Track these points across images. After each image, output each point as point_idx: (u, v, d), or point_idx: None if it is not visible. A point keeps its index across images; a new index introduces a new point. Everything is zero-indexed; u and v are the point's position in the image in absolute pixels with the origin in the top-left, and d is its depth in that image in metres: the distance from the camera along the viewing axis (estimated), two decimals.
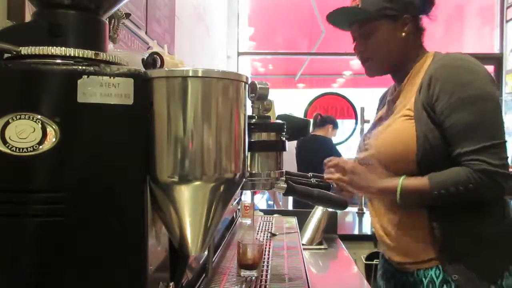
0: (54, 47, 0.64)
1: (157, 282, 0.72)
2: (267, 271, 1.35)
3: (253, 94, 1.09)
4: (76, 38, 0.68)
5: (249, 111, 1.08)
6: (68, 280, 0.62)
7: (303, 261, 1.48)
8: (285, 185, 1.14)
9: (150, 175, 0.65)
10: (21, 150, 0.60)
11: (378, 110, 1.51)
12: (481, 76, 1.19)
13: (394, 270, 1.36)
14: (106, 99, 0.62)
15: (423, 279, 1.23)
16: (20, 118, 0.60)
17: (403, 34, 1.28)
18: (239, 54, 5.52)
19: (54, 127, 0.60)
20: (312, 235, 2.22)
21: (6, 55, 0.64)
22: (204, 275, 1.20)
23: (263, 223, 2.16)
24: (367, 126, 1.80)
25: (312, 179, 1.28)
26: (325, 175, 1.30)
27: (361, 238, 2.61)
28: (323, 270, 2.01)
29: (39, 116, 0.60)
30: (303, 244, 1.98)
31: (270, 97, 1.12)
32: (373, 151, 1.29)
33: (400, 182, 1.19)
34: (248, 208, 2.07)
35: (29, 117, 0.60)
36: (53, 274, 0.61)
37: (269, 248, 1.64)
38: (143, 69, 0.66)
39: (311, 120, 4.32)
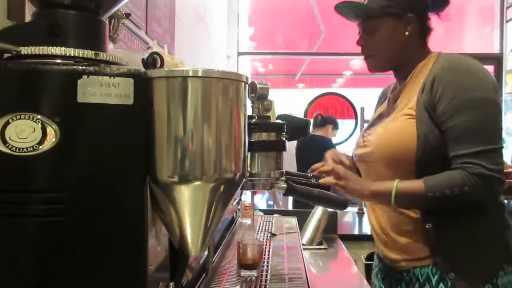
0: (54, 47, 0.64)
1: (157, 282, 0.72)
2: (267, 271, 1.35)
3: (253, 94, 1.09)
4: (76, 38, 0.68)
5: (249, 111, 1.08)
6: (68, 280, 0.62)
7: (303, 261, 1.48)
8: (285, 185, 1.14)
9: (150, 175, 0.65)
10: (21, 150, 0.60)
11: (377, 106, 1.51)
12: (485, 82, 1.19)
13: (389, 268, 1.36)
14: (106, 99, 0.62)
15: (420, 276, 1.23)
16: (20, 118, 0.60)
17: (406, 33, 1.28)
18: (239, 54, 5.51)
19: (54, 127, 0.60)
20: (312, 235, 2.22)
21: (6, 55, 0.64)
22: (204, 275, 1.20)
23: (263, 223, 2.16)
24: None
25: (312, 179, 1.28)
26: (321, 180, 1.30)
27: (361, 238, 2.60)
28: (323, 270, 2.01)
29: (39, 116, 0.60)
30: (303, 244, 1.98)
31: (270, 97, 1.12)
32: (373, 148, 1.29)
33: (395, 185, 1.19)
34: (248, 208, 2.07)
35: (29, 117, 0.60)
36: (53, 274, 0.62)
37: (269, 248, 1.64)
38: (143, 69, 0.66)
39: (311, 120, 4.32)
